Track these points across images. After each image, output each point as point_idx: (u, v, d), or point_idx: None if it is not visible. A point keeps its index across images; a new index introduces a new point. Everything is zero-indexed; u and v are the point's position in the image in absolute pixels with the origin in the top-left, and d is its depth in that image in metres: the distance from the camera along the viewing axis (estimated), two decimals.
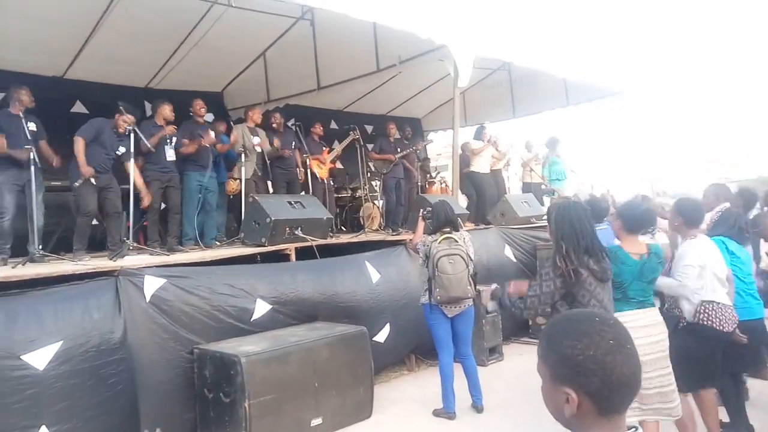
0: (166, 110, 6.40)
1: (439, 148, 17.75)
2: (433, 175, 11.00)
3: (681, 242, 3.99)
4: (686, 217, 3.98)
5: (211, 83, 9.38)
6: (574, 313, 1.26)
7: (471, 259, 5.01)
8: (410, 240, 6.39)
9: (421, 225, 5.29)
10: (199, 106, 6.93)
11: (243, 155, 6.91)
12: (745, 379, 5.12)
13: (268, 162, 7.47)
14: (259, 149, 7.28)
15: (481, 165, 9.52)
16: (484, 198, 9.39)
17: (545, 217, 3.52)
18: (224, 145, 7.16)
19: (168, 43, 7.87)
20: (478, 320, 5.59)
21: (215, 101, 9.40)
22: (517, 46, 7.93)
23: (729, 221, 4.31)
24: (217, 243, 6.72)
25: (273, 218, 5.74)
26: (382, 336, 5.88)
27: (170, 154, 6.34)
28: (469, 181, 9.61)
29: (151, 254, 5.64)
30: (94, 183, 5.58)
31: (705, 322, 3.77)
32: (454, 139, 8.01)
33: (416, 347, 6.47)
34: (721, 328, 3.77)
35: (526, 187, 10.64)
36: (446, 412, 4.99)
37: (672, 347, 3.63)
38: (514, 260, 7.77)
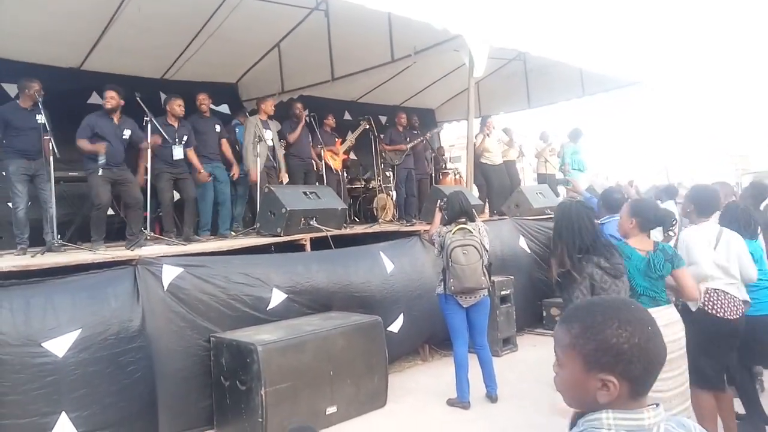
0: (174, 106, 6.40)
1: (453, 139, 17.70)
2: (447, 165, 10.98)
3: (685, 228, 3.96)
4: (697, 204, 3.96)
5: (226, 74, 9.41)
6: (606, 300, 1.25)
7: (486, 250, 5.00)
8: (425, 231, 6.40)
9: (438, 216, 5.29)
10: (201, 98, 6.99)
11: (259, 147, 6.93)
12: (761, 371, 5.09)
13: (283, 153, 7.50)
14: (270, 142, 7.30)
15: (490, 157, 9.50)
16: (492, 189, 9.37)
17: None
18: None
19: (183, 35, 7.90)
20: (492, 311, 5.59)
21: (230, 92, 9.45)
22: (533, 35, 7.87)
23: (734, 215, 4.25)
24: (233, 233, 6.77)
25: (288, 208, 5.77)
26: (396, 326, 5.90)
27: (177, 153, 6.29)
28: (479, 171, 9.60)
29: (168, 244, 5.70)
30: (102, 173, 5.57)
31: (709, 310, 3.72)
32: (468, 129, 7.98)
33: (430, 337, 6.48)
34: (714, 312, 3.70)
35: (541, 179, 10.61)
36: (460, 401, 5.00)
37: (688, 341, 3.61)
38: (529, 251, 7.76)
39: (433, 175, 10.04)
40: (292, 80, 9.14)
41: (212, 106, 7.48)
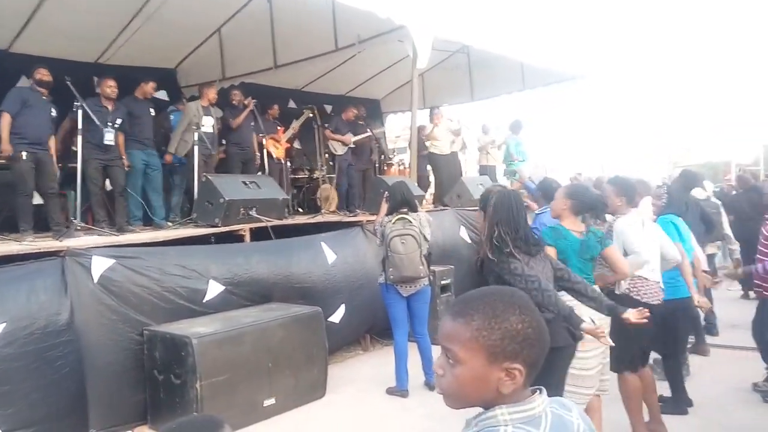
0: (105, 87, 6.08)
1: (398, 130, 17.77)
2: (391, 156, 11.01)
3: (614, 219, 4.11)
4: (627, 195, 4.11)
5: (165, 59, 9.11)
6: (496, 289, 1.22)
7: (426, 240, 5.06)
8: (368, 221, 6.39)
9: (384, 206, 5.32)
10: (151, 87, 6.79)
11: (196, 134, 6.75)
12: (687, 356, 5.35)
13: (223, 141, 7.34)
14: (211, 129, 7.13)
15: (439, 146, 9.59)
16: (442, 178, 9.46)
17: (479, 204, 3.49)
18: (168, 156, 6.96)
19: (119, 16, 7.58)
20: (433, 300, 5.66)
21: (168, 78, 9.15)
22: (476, 28, 7.95)
23: (680, 201, 4.46)
24: (169, 223, 6.60)
25: (227, 198, 5.66)
26: (337, 316, 5.89)
27: (108, 137, 5.96)
28: (428, 161, 9.68)
29: (99, 235, 5.50)
30: (27, 157, 5.32)
31: (635, 296, 3.89)
32: (412, 121, 8.02)
33: (371, 327, 6.52)
34: (639, 297, 3.88)
35: (483, 170, 10.77)
36: (399, 390, 5.06)
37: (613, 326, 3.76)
38: (469, 241, 7.88)
39: (378, 166, 10.03)
40: (233, 66, 8.95)
41: None
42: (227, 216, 5.71)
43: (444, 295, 6.71)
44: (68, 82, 5.72)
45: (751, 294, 7.13)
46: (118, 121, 6.16)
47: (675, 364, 4.61)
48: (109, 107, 6.12)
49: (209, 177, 6.00)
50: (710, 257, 6.77)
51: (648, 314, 3.17)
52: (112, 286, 4.44)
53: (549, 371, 3.06)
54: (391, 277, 4.93)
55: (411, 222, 5.00)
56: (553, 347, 3.17)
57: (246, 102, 7.73)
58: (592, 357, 3.48)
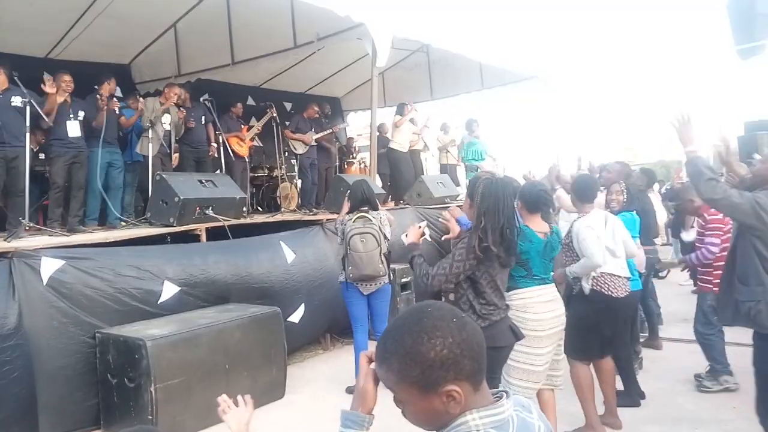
0: (59, 82, 5.85)
1: (360, 128, 17.75)
2: (353, 155, 10.99)
3: (577, 218, 4.19)
4: (577, 193, 4.22)
5: (118, 55, 8.92)
6: (402, 320, 1.18)
7: (386, 239, 5.07)
8: (328, 220, 6.36)
9: (346, 205, 5.30)
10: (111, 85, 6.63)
11: (150, 131, 6.61)
12: (640, 349, 5.50)
13: (176, 139, 7.19)
14: (168, 127, 6.99)
15: (400, 143, 9.61)
16: (401, 177, 9.48)
17: (466, 191, 3.45)
18: (129, 119, 6.82)
19: (70, 11, 7.39)
20: (393, 298, 5.67)
21: (122, 74, 8.93)
22: (436, 28, 8.00)
23: (638, 197, 4.61)
24: (123, 223, 6.44)
25: (182, 197, 5.56)
26: (296, 316, 5.85)
27: (73, 129, 5.90)
28: (387, 159, 9.68)
29: (50, 235, 5.33)
30: None
31: (605, 291, 4.00)
32: (372, 119, 8.01)
33: (331, 326, 6.50)
34: (610, 293, 3.99)
35: (443, 169, 10.85)
36: None
37: (567, 315, 3.85)
38: (429, 239, 7.92)
39: (338, 164, 10.00)
40: (189, 63, 8.80)
41: None
42: (182, 215, 5.61)
43: (404, 293, 6.73)
44: (15, 78, 5.53)
45: None
46: (81, 113, 5.99)
47: (625, 357, 4.73)
48: (67, 100, 5.92)
49: (163, 175, 5.88)
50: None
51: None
52: (63, 288, 4.33)
53: (492, 368, 3.13)
54: (351, 275, 4.93)
55: (371, 220, 5.01)
56: (498, 346, 3.21)
57: (182, 100, 7.52)
58: (544, 354, 3.54)
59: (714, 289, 4.76)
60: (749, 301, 3.03)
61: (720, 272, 4.69)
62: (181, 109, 7.28)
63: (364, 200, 5.11)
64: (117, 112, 6.72)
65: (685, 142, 3.16)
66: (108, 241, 5.08)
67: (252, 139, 8.75)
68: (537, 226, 3.60)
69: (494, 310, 3.11)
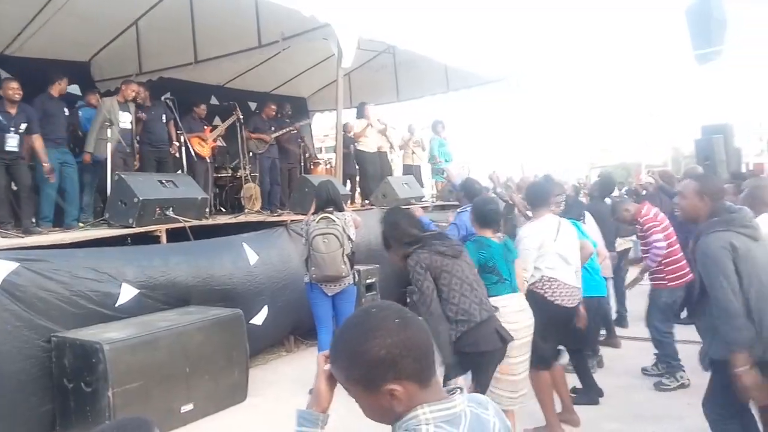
0: (7, 90, 5.63)
1: (327, 129, 17.70)
2: (318, 155, 10.94)
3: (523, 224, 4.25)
4: (529, 199, 4.31)
5: (77, 52, 8.71)
6: (349, 322, 1.23)
7: (350, 240, 5.06)
8: (291, 221, 6.32)
9: (314, 206, 5.28)
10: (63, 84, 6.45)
11: (109, 131, 6.47)
12: (598, 348, 5.60)
13: (137, 139, 7.06)
14: (129, 126, 6.85)
15: (367, 144, 9.60)
16: (367, 177, 9.48)
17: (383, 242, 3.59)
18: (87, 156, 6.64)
19: (28, 6, 7.19)
20: (358, 299, 5.66)
21: (82, 71, 8.74)
22: (402, 30, 8.04)
23: (575, 207, 4.71)
24: (81, 224, 6.29)
25: (141, 198, 5.45)
26: (259, 318, 5.79)
27: (11, 143, 5.60)
28: (354, 159, 9.67)
29: (3, 237, 5.18)
30: None
31: (549, 297, 3.97)
32: (337, 120, 8.00)
33: (295, 328, 6.45)
34: (556, 301, 3.97)
35: (407, 170, 10.88)
36: None
37: None
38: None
39: (303, 165, 9.93)
40: (151, 61, 8.65)
41: None
42: (142, 216, 5.51)
43: (369, 294, 6.72)
44: None
45: None
46: (23, 126, 5.75)
47: (581, 358, 4.81)
48: (12, 111, 5.68)
49: (122, 176, 5.76)
50: (625, 251, 7.10)
51: None
52: (17, 291, 4.20)
53: (478, 373, 3.15)
54: (314, 276, 4.92)
55: (334, 221, 4.99)
56: (483, 351, 3.22)
57: (141, 99, 7.36)
58: (520, 363, 3.56)
59: (668, 285, 4.89)
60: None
61: (670, 268, 4.86)
62: (141, 112, 7.15)
63: (329, 201, 5.10)
64: (77, 113, 6.56)
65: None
66: (64, 242, 4.96)
67: (215, 140, 8.63)
68: (491, 234, 3.67)
69: (472, 311, 3.10)
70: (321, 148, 15.13)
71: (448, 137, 10.94)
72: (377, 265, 7.01)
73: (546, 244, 3.97)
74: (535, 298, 3.94)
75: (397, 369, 1.13)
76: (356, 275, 5.23)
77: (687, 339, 4.79)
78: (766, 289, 2.77)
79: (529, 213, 5.07)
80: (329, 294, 5.04)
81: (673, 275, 4.90)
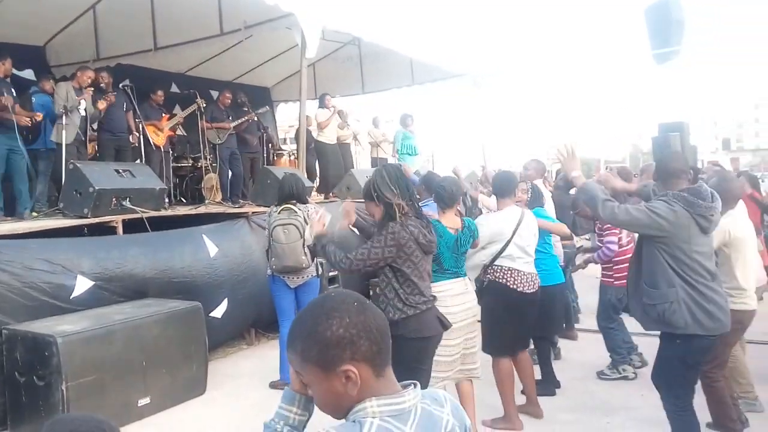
0: None
1: (292, 119, 17.53)
2: (281, 147, 10.83)
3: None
4: (494, 189, 4.38)
5: (33, 36, 8.44)
6: (309, 305, 1.24)
7: None
8: (253, 213, 6.25)
9: (277, 200, 5.23)
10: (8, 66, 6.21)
11: (64, 116, 6.27)
12: (557, 340, 5.71)
13: (93, 126, 6.86)
14: (83, 112, 6.65)
15: (327, 135, 9.55)
16: (329, 169, 9.43)
17: (364, 194, 3.49)
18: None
19: None
20: (320, 291, 5.64)
21: (36, 56, 8.47)
22: (367, 21, 7.99)
23: (538, 196, 4.80)
24: (34, 213, 6.10)
25: (97, 187, 5.31)
26: (219, 311, 5.72)
27: None
28: (315, 151, 9.60)
29: None
30: None
31: (511, 286, 4.07)
32: (300, 110, 7.92)
33: (256, 321, 6.40)
34: (518, 288, 4.07)
35: (373, 162, 10.86)
36: (283, 382, 4.99)
37: (482, 309, 3.94)
38: (357, 233, 7.91)
39: (266, 156, 9.81)
40: (109, 46, 8.42)
41: (14, 71, 6.65)
42: (97, 206, 5.37)
43: (332, 286, 6.71)
44: None
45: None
46: None
47: (546, 347, 4.91)
48: None
49: (77, 164, 5.60)
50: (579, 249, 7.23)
51: None
52: None
53: (421, 359, 3.18)
54: (274, 266, 4.91)
55: (296, 212, 4.97)
56: (426, 336, 3.28)
57: (105, 84, 7.21)
58: (454, 345, 3.64)
59: (615, 283, 5.03)
60: (661, 303, 3.13)
61: (619, 267, 4.99)
62: (108, 94, 6.96)
63: (291, 195, 5.08)
64: (30, 99, 6.33)
65: (569, 170, 3.41)
66: (17, 232, 4.81)
67: (173, 129, 8.44)
68: (450, 222, 3.72)
69: (421, 299, 3.15)
70: (285, 139, 14.96)
71: (415, 130, 10.96)
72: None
73: (504, 235, 4.07)
74: (496, 287, 4.07)
75: (354, 348, 1.14)
76: (319, 267, 5.21)
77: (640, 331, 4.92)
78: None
79: (489, 208, 5.15)
80: (292, 286, 5.02)
81: (621, 274, 5.02)
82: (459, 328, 3.61)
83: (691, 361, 3.20)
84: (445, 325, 3.27)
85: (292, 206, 5.00)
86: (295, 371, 1.25)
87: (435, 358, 3.50)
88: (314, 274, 5.11)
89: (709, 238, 3.19)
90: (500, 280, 4.07)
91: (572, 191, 6.74)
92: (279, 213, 4.97)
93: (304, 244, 4.89)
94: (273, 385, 5.04)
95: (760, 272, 4.44)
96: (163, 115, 8.23)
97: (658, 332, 3.31)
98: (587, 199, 3.30)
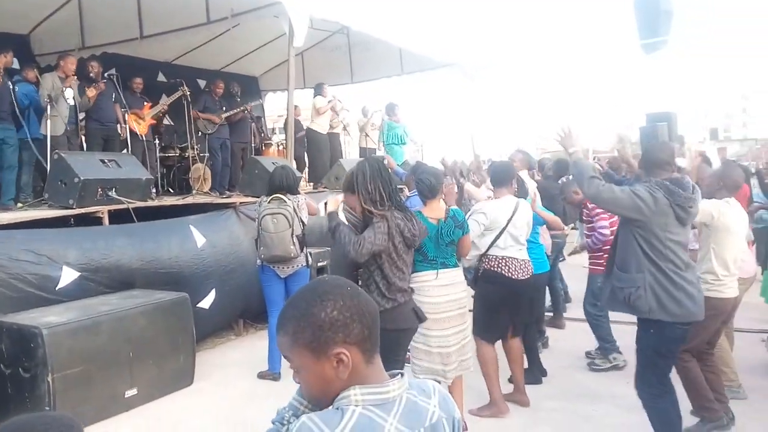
0: None
1: (281, 109, 17.42)
2: (270, 136, 10.77)
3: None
4: (492, 178, 4.43)
5: (17, 24, 8.29)
6: (302, 289, 1.24)
7: (302, 222, 5.03)
8: (241, 203, 6.22)
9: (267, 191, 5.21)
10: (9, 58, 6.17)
11: (49, 107, 6.20)
12: (545, 329, 5.76)
13: (81, 116, 6.79)
14: (72, 102, 6.58)
15: (320, 124, 9.51)
16: (319, 159, 9.40)
17: (343, 187, 3.51)
18: None
19: None
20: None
21: (21, 44, 8.33)
22: (355, 10, 7.92)
23: (523, 187, 4.83)
24: (19, 204, 6.04)
25: (82, 178, 5.27)
26: (207, 302, 5.70)
27: None
28: (305, 138, 9.55)
29: None
30: None
31: (506, 273, 4.12)
32: (288, 100, 7.87)
33: (244, 312, 6.39)
34: (510, 275, 4.12)
35: (362, 152, 10.83)
36: (271, 372, 5.01)
37: (475, 296, 3.95)
38: (347, 223, 7.90)
39: (254, 146, 9.75)
40: (94, 35, 8.29)
41: None
42: (83, 197, 5.33)
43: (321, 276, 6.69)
44: None
45: None
46: None
47: (532, 335, 4.95)
48: None
49: (62, 154, 5.55)
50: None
51: None
52: None
53: (395, 350, 3.20)
54: (263, 255, 4.91)
55: (285, 202, 4.97)
56: (402, 328, 3.32)
57: (96, 73, 7.11)
58: (452, 335, 3.65)
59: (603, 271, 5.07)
60: (629, 287, 3.20)
61: (608, 255, 5.03)
62: (96, 84, 6.87)
63: (281, 187, 5.07)
64: (13, 88, 6.24)
65: (567, 146, 3.44)
66: (1, 223, 4.77)
67: (157, 118, 8.33)
68: (432, 212, 3.73)
69: (399, 292, 3.18)
70: (274, 129, 14.87)
71: (403, 120, 10.91)
72: (329, 248, 6.98)
73: (500, 223, 4.12)
74: (491, 276, 4.12)
75: (347, 331, 1.14)
76: (309, 257, 5.20)
77: (623, 320, 4.96)
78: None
79: (474, 198, 5.16)
80: (282, 276, 5.02)
81: None
82: (446, 318, 3.63)
83: (664, 350, 3.26)
84: (420, 317, 3.30)
85: (282, 196, 5.00)
86: (284, 356, 1.23)
87: (425, 348, 3.54)
88: (304, 264, 5.11)
89: (685, 230, 3.25)
90: (495, 269, 4.13)
91: (561, 180, 6.80)
92: (269, 203, 4.97)
93: (292, 234, 4.89)
94: (261, 376, 5.04)
95: (748, 264, 4.47)
96: (146, 103, 8.12)
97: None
98: (575, 174, 3.39)
